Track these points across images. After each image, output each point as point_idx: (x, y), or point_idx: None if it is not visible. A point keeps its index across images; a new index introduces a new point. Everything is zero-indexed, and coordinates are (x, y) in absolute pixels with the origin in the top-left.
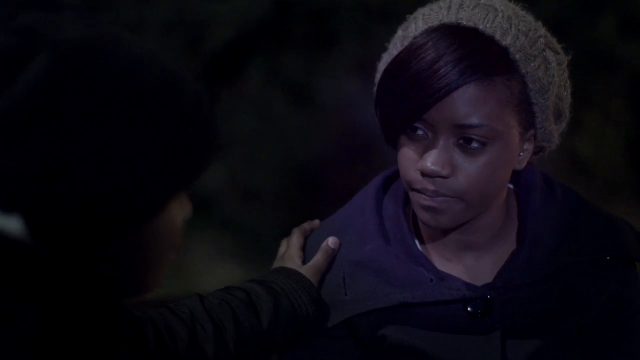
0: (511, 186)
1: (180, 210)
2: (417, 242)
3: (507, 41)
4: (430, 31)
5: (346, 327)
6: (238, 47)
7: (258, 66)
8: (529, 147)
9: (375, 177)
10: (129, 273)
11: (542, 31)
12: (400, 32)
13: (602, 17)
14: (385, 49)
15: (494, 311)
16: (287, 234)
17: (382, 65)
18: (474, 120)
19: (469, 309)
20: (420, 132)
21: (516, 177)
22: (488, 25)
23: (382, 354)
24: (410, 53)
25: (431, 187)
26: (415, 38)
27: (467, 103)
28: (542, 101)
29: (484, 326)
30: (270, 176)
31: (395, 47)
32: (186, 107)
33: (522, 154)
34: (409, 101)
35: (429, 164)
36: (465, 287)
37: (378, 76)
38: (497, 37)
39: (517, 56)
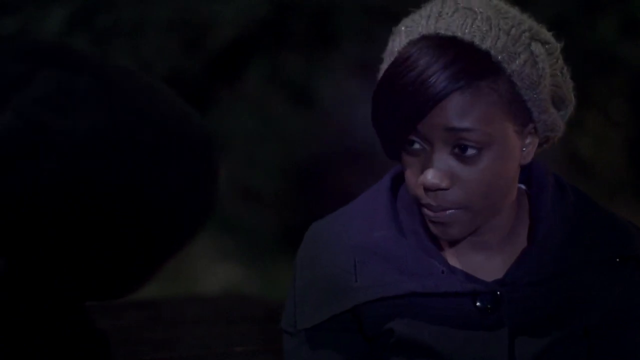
0: (522, 186)
1: None
2: (429, 238)
3: (487, 44)
4: (411, 44)
5: (352, 317)
6: (238, 47)
7: (258, 66)
8: (532, 140)
9: (375, 176)
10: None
11: (527, 24)
12: (390, 44)
13: (602, 17)
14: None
15: (502, 307)
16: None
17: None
18: (465, 124)
19: (477, 304)
20: (417, 146)
21: (528, 176)
22: (466, 31)
23: (386, 348)
24: (395, 68)
25: (434, 202)
26: (399, 52)
27: (456, 110)
28: (534, 95)
29: (491, 322)
30: (270, 176)
31: (387, 59)
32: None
33: (524, 148)
34: (401, 114)
35: (429, 177)
36: (475, 280)
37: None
38: (477, 41)
39: (500, 57)
